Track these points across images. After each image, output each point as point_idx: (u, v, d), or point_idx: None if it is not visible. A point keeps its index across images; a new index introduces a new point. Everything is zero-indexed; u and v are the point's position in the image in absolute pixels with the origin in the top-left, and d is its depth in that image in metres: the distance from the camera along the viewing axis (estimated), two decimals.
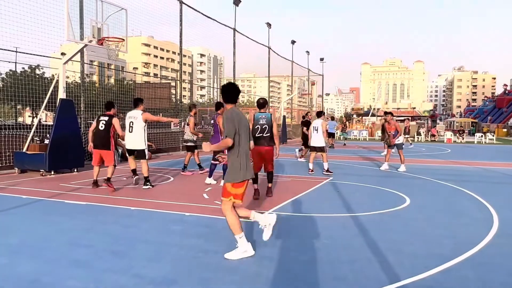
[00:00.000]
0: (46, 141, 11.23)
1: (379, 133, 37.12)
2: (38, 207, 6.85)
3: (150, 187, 8.65)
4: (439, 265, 4.13)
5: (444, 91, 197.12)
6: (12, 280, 3.67)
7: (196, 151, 11.19)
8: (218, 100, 13.00)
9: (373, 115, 47.47)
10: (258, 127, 7.58)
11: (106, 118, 8.47)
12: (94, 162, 8.58)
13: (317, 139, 11.43)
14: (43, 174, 10.49)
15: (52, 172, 10.62)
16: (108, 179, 8.29)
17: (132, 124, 8.52)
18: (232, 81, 26.21)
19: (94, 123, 8.64)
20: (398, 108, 57.93)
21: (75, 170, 11.16)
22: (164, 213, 6.39)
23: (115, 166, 8.64)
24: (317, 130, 11.36)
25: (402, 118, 46.54)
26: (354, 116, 57.24)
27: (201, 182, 9.67)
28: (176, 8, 18.26)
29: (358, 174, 11.66)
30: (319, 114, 12.10)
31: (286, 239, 5.05)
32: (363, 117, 48.49)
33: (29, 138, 11.19)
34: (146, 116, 8.61)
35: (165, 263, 4.16)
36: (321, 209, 6.83)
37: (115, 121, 8.51)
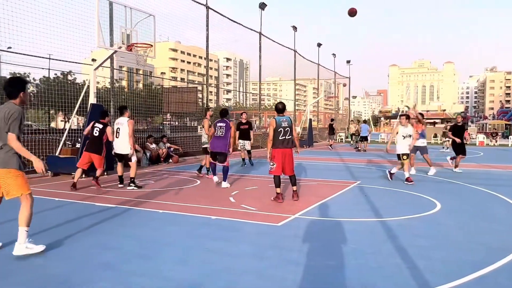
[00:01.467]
0: (78, 145, 11.54)
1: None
2: (69, 209, 7.04)
3: (135, 188, 9.03)
4: (471, 272, 3.99)
5: (475, 92, 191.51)
6: (43, 281, 3.77)
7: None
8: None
9: None
10: (281, 130, 7.71)
11: (101, 126, 9.18)
12: (80, 164, 9.30)
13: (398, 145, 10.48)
14: (81, 177, 10.75)
15: (83, 175, 10.88)
16: (97, 178, 9.32)
17: (119, 130, 9.19)
18: (258, 85, 26.26)
19: (88, 128, 9.33)
20: (427, 111, 56.49)
21: (105, 173, 11.40)
22: (191, 216, 6.44)
23: (104, 170, 9.47)
24: (404, 136, 10.33)
25: (432, 120, 45.51)
26: (382, 118, 56.40)
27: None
28: (202, 13, 18.48)
29: (386, 178, 11.44)
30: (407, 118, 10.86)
31: (312, 243, 5.00)
32: (391, 120, 47.62)
33: (61, 142, 11.52)
34: (129, 123, 9.14)
35: (192, 266, 4.19)
36: (348, 214, 6.74)
37: (108, 129, 9.13)
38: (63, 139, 11.57)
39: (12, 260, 4.32)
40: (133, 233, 5.45)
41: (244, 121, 14.05)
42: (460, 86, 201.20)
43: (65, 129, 12.47)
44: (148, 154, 14.56)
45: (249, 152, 14.21)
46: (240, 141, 13.71)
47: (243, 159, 14.26)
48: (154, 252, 4.65)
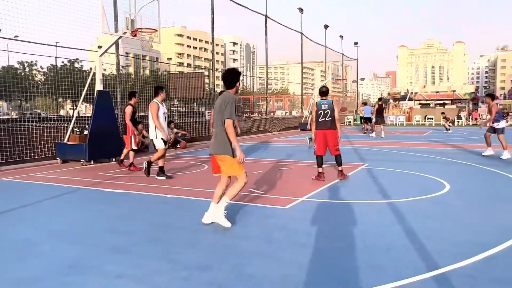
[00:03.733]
0: (86, 132, 11.60)
1: (416, 117, 36.10)
2: (79, 195, 7.11)
3: (163, 178, 8.36)
4: (480, 252, 3.96)
5: (486, 72, 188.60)
6: (55, 265, 3.82)
7: None
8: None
9: (410, 99, 46.12)
10: (321, 112, 8.11)
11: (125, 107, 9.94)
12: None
13: None
14: (84, 164, 10.86)
15: (92, 162, 10.98)
16: (121, 161, 10.20)
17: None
18: (265, 68, 26.13)
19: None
20: (437, 92, 55.76)
21: (113, 159, 11.49)
22: (198, 200, 6.46)
23: (132, 150, 9.94)
24: None
25: (442, 101, 44.98)
26: (391, 101, 56.00)
27: None
28: None
29: (394, 160, 11.38)
30: None
31: (320, 226, 5.00)
32: (400, 102, 47.13)
33: (69, 129, 11.58)
34: (150, 106, 8.42)
35: (200, 249, 4.21)
36: (356, 196, 6.72)
37: (126, 109, 9.87)
38: (71, 126, 11.62)
39: (23, 246, 4.38)
40: (143, 218, 5.50)
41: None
42: (470, 66, 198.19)
43: (73, 117, 12.52)
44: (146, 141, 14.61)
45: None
46: None
47: None
48: (163, 235, 4.68)
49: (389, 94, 59.72)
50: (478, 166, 9.82)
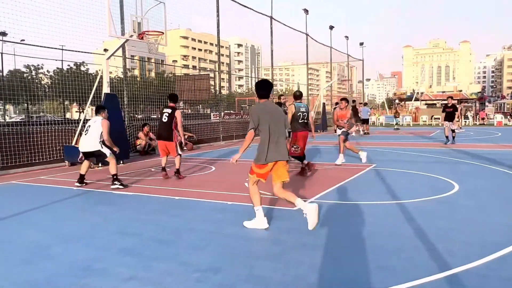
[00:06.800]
0: None
1: (423, 118, 35.89)
2: (88, 198, 7.14)
3: (119, 187, 7.75)
4: (493, 252, 3.94)
5: (493, 71, 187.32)
6: (66, 267, 3.84)
7: None
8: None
9: (416, 99, 45.92)
10: (300, 115, 8.68)
11: (169, 111, 8.64)
12: (161, 154, 8.90)
13: None
14: (92, 167, 10.89)
15: (100, 165, 11.02)
16: (177, 171, 8.78)
17: (89, 128, 8.01)
18: (270, 70, 26.13)
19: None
20: (443, 91, 55.41)
21: (121, 162, 11.52)
22: (207, 202, 6.48)
23: (180, 155, 8.86)
24: None
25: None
26: (397, 101, 55.75)
27: (240, 171, 9.71)
28: None
29: (402, 160, 11.33)
30: None
31: (330, 227, 4.98)
32: (406, 102, 46.95)
33: (77, 132, 11.64)
34: (103, 123, 7.94)
35: (210, 251, 4.22)
36: (364, 197, 6.69)
37: (178, 113, 8.63)
38: (79, 129, 11.68)
39: (33, 248, 4.40)
40: (152, 220, 5.51)
41: (449, 104, 15.73)
42: (476, 66, 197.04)
43: (80, 120, 12.57)
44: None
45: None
46: None
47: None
48: (173, 237, 4.69)
49: (394, 94, 59.54)
50: (486, 165, 9.75)
